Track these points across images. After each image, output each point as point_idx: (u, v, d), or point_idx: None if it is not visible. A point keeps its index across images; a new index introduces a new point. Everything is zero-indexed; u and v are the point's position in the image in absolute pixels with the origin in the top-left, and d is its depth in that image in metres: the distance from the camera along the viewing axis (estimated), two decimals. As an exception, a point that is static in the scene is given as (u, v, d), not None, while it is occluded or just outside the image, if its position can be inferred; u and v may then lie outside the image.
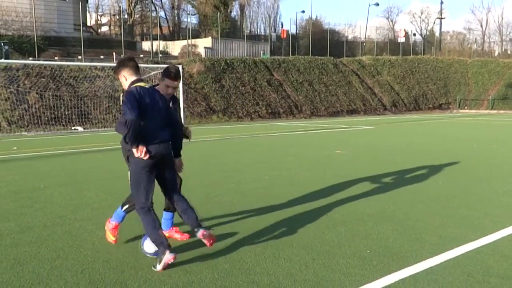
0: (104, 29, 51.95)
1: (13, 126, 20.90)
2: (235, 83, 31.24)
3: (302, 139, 16.83)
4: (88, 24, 45.28)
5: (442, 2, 60.49)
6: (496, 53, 56.55)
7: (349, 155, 11.71)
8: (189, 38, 35.89)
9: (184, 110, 21.05)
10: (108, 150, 13.13)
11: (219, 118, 28.41)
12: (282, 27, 51.23)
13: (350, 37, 53.63)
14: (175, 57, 35.61)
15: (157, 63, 27.94)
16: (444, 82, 43.30)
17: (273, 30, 50.92)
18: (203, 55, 36.02)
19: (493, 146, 13.83)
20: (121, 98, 4.09)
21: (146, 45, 39.26)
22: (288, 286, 3.75)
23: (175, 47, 39.72)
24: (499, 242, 4.81)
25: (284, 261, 4.25)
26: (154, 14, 45.52)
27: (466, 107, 42.22)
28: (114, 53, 30.83)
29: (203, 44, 38.47)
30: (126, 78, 4.29)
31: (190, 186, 6.64)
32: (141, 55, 32.96)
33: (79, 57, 29.16)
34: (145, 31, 49.30)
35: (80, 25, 31.95)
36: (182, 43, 39.86)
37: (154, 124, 4.19)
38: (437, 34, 62.43)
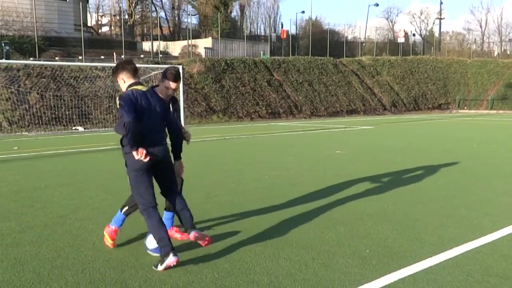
0: (105, 29, 52.00)
1: (14, 126, 20.93)
2: (235, 83, 31.26)
3: (302, 139, 16.84)
4: (89, 24, 45.27)
5: (441, 3, 60.50)
6: (496, 53, 56.59)
7: (349, 155, 11.73)
8: (189, 39, 35.89)
9: (184, 110, 21.06)
10: (108, 150, 13.16)
11: (219, 118, 28.43)
12: (282, 27, 51.30)
13: (349, 37, 53.71)
14: (175, 57, 35.62)
15: (158, 63, 27.96)
16: (444, 82, 43.32)
17: (273, 30, 50.98)
18: (203, 56, 36.03)
19: (492, 146, 13.84)
20: (117, 102, 4.10)
21: (146, 46, 39.29)
22: (288, 285, 3.76)
23: (175, 48, 39.73)
24: (498, 242, 4.83)
25: (284, 261, 4.27)
26: (154, 14, 45.62)
27: (465, 107, 42.24)
28: (114, 54, 30.85)
29: (203, 44, 38.48)
30: (125, 81, 4.32)
31: (190, 186, 6.65)
32: (142, 55, 33.01)
33: (80, 57, 29.19)
34: (145, 32, 49.34)
35: (80, 25, 31.98)
36: (182, 43, 39.86)
37: (150, 127, 4.19)
38: (436, 34, 62.48)
